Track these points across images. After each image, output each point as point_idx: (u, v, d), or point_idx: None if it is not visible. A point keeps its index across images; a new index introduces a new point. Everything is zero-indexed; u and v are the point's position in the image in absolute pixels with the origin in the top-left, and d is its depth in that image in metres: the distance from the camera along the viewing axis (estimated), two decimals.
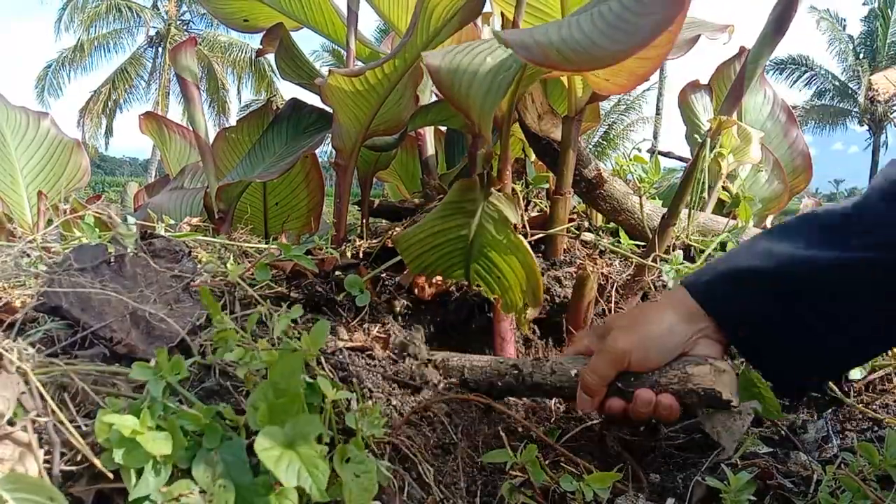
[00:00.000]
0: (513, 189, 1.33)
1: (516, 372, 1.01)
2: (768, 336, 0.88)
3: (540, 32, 0.87)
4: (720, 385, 0.88)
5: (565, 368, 0.99)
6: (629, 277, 1.44)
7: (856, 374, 1.14)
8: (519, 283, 1.15)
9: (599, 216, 1.76)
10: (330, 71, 1.27)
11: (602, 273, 1.41)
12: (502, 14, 1.49)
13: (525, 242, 1.12)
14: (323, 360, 1.05)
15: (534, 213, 1.55)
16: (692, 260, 1.47)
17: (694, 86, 2.24)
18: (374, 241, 1.42)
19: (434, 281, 1.27)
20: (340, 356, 1.04)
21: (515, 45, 0.86)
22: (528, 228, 1.43)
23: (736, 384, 0.91)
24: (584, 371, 0.94)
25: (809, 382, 0.97)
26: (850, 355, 0.89)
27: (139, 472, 0.67)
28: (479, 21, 1.63)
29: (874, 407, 1.12)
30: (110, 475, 0.65)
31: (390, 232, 1.41)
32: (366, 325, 1.20)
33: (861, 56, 27.98)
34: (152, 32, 26.88)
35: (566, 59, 0.82)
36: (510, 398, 1.10)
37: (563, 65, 0.85)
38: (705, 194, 1.91)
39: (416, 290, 1.27)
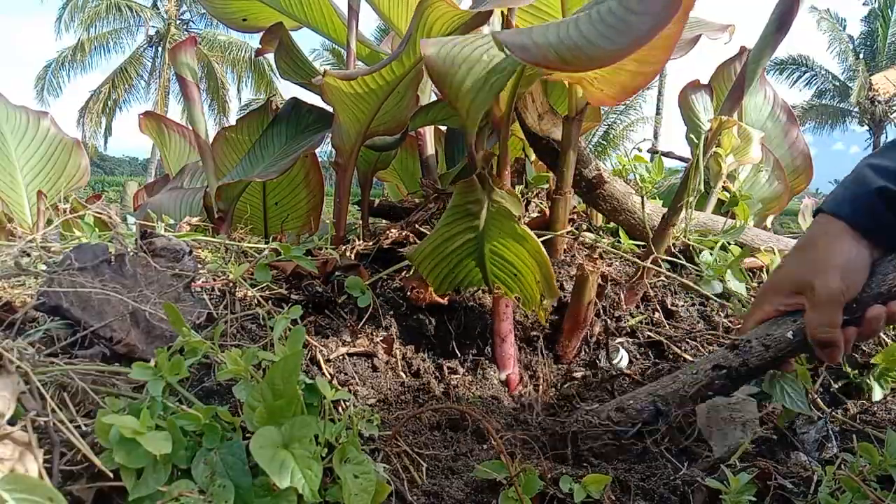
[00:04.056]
0: (512, 187, 1.33)
1: (724, 371, 0.96)
2: None
3: (538, 33, 0.87)
4: None
5: (778, 337, 0.95)
6: (629, 277, 1.44)
7: (877, 395, 1.15)
8: (532, 274, 1.15)
9: (599, 216, 1.76)
10: (325, 71, 1.27)
11: (602, 273, 1.41)
12: (501, 12, 1.49)
13: (531, 233, 1.11)
14: (323, 363, 1.05)
15: (534, 215, 1.55)
16: (690, 260, 1.47)
17: (694, 86, 2.24)
18: (374, 242, 1.42)
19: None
20: (342, 362, 1.04)
21: (513, 48, 0.86)
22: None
23: None
24: (817, 328, 0.91)
25: None
26: None
27: (139, 472, 0.67)
28: None
29: (875, 409, 1.12)
30: (110, 475, 0.65)
31: (387, 233, 1.41)
32: (368, 328, 1.20)
33: (861, 56, 27.97)
34: (152, 32, 26.85)
35: (563, 60, 0.82)
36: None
37: (561, 66, 0.84)
38: (705, 193, 1.91)
39: (416, 292, 1.27)
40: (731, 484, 0.83)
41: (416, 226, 1.42)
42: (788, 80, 28.62)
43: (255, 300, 1.15)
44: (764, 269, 1.57)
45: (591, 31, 0.82)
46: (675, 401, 0.98)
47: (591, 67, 0.91)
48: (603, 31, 0.81)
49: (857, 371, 1.18)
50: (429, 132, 1.84)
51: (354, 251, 1.39)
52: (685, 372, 1.01)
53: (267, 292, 1.21)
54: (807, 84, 28.92)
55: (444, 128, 1.98)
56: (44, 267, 1.13)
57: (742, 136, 1.62)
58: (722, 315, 1.43)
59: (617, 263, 1.54)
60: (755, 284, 1.52)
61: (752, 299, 1.06)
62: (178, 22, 27.20)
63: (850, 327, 0.91)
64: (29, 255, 1.23)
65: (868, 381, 1.15)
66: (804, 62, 28.51)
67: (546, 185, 1.62)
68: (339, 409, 0.94)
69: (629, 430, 0.98)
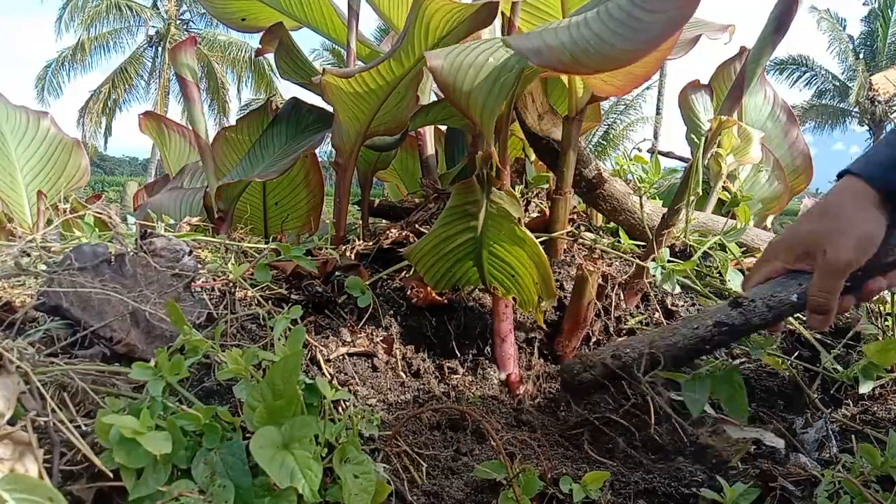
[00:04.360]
0: (512, 187, 1.33)
1: (726, 328, 0.97)
2: None
3: (549, 35, 0.86)
4: None
5: (782, 299, 0.95)
6: (629, 277, 1.44)
7: (864, 387, 1.13)
8: (531, 276, 1.15)
9: (599, 216, 1.76)
10: (324, 70, 1.27)
11: (602, 273, 1.41)
12: (502, 13, 1.49)
13: (531, 235, 1.11)
14: (323, 363, 1.05)
15: (534, 215, 1.55)
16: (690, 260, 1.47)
17: (694, 86, 2.24)
18: (374, 242, 1.42)
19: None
20: (342, 362, 1.04)
21: (527, 52, 0.85)
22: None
23: None
24: (816, 294, 0.91)
25: None
26: None
27: (139, 472, 0.67)
28: None
29: (875, 409, 1.12)
30: (110, 475, 0.65)
31: (387, 233, 1.41)
32: (368, 328, 1.20)
33: (861, 56, 27.94)
34: (152, 32, 26.86)
35: (578, 63, 0.81)
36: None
37: (576, 68, 0.83)
38: (706, 193, 1.91)
39: (416, 291, 1.27)
40: (727, 494, 0.83)
41: (416, 226, 1.42)
42: (788, 80, 28.59)
43: (255, 300, 1.15)
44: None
45: (603, 29, 0.81)
46: (672, 354, 1.00)
47: (607, 69, 0.90)
48: (616, 28, 0.80)
49: (847, 369, 1.17)
50: (429, 132, 1.84)
51: (354, 251, 1.39)
52: (686, 325, 1.02)
53: (267, 292, 1.21)
54: (807, 84, 28.89)
55: (444, 128, 1.98)
56: (44, 267, 1.13)
57: (742, 136, 1.61)
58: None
59: (617, 263, 1.54)
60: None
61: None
62: (178, 22, 27.20)
63: (848, 296, 0.91)
64: (29, 255, 1.23)
65: (854, 373, 1.14)
66: (804, 62, 28.48)
67: (546, 185, 1.62)
68: (339, 409, 0.94)
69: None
